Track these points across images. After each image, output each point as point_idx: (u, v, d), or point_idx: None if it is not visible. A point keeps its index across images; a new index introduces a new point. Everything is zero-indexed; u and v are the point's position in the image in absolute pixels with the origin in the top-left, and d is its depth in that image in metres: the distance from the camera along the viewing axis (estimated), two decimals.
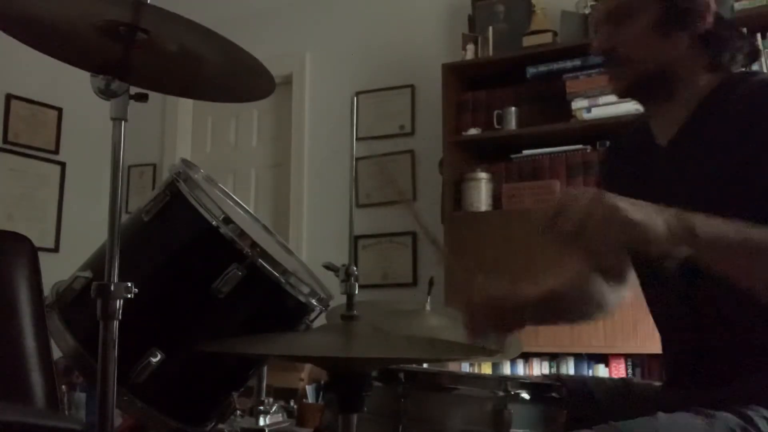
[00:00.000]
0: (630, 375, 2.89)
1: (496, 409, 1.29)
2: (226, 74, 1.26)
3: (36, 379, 1.73)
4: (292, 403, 2.65)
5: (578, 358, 2.98)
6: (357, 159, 3.70)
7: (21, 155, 3.99)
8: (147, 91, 1.20)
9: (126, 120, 1.17)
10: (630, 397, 1.37)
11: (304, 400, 3.08)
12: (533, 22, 3.31)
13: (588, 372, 2.96)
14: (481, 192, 3.20)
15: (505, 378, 1.59)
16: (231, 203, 1.56)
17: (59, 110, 4.17)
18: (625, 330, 2.72)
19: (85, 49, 1.17)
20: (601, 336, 2.81)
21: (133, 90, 1.17)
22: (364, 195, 3.74)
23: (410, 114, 3.73)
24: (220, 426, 1.44)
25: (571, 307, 1.52)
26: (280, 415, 1.87)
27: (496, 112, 3.27)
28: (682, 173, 1.28)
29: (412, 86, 3.74)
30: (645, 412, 1.13)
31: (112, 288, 1.11)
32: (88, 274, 1.32)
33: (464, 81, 3.46)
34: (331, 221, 3.72)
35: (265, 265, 1.30)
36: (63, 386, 2.70)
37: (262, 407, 1.82)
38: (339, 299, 1.30)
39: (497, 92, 3.34)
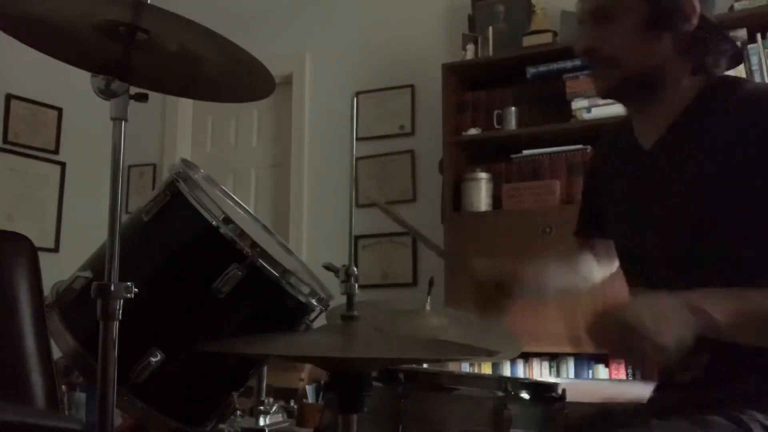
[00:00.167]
0: (630, 375, 2.89)
1: (496, 409, 1.29)
2: (226, 74, 1.26)
3: (36, 379, 1.73)
4: (292, 403, 2.65)
5: (578, 358, 2.98)
6: (357, 159, 3.70)
7: (21, 155, 3.99)
8: (147, 91, 1.20)
9: (126, 120, 1.17)
10: (610, 421, 1.37)
11: (304, 400, 3.08)
12: (533, 22, 3.31)
13: (588, 372, 2.95)
14: (481, 192, 3.20)
15: (505, 378, 1.59)
16: (231, 203, 1.56)
17: (59, 110, 4.17)
18: None
19: (85, 49, 1.17)
20: None
21: (133, 90, 1.18)
22: (364, 195, 3.74)
23: (410, 114, 3.73)
24: (220, 426, 1.44)
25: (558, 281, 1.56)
26: (280, 415, 1.87)
27: (496, 112, 3.27)
28: (668, 177, 1.27)
29: (412, 86, 3.74)
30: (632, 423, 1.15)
31: (112, 288, 1.11)
32: (88, 274, 1.32)
33: (464, 81, 3.46)
34: (331, 221, 3.72)
35: (265, 265, 1.30)
36: (63, 386, 2.70)
37: (262, 407, 1.82)
38: (339, 299, 1.30)
39: (497, 92, 3.33)
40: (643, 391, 1.43)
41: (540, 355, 3.03)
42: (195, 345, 1.19)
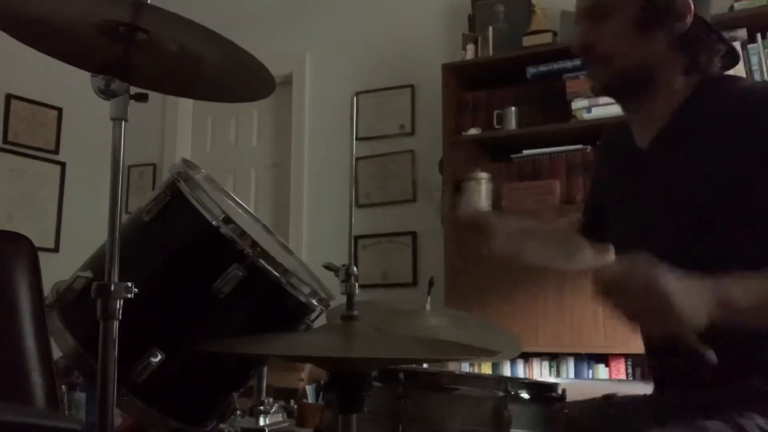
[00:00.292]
0: (630, 375, 2.89)
1: (496, 409, 1.29)
2: (226, 74, 1.26)
3: (36, 379, 1.73)
4: (292, 403, 2.65)
5: (578, 358, 2.98)
6: (357, 159, 3.70)
7: (21, 155, 3.99)
8: (147, 91, 1.20)
9: (126, 120, 1.17)
10: (611, 415, 1.37)
11: (304, 400, 3.08)
12: (533, 22, 3.31)
13: (588, 372, 2.95)
14: (481, 192, 3.20)
15: (505, 378, 1.59)
16: (231, 203, 1.56)
17: (59, 110, 4.17)
18: (625, 330, 2.70)
19: (85, 49, 1.17)
20: (601, 336, 2.81)
21: (133, 90, 1.18)
22: (364, 195, 3.74)
23: (410, 114, 3.73)
24: (220, 426, 1.44)
25: (545, 247, 1.55)
26: (280, 415, 1.87)
27: (496, 112, 3.27)
28: (664, 177, 1.28)
29: (412, 86, 3.74)
30: (630, 426, 1.14)
31: (112, 288, 1.11)
32: (88, 274, 1.32)
33: (464, 81, 3.46)
34: (331, 221, 3.72)
35: (266, 265, 1.30)
36: (63, 386, 2.70)
37: (262, 407, 1.82)
38: (339, 299, 1.30)
39: (497, 92, 3.33)
40: (643, 391, 1.43)
41: (540, 355, 3.03)
42: (195, 345, 1.19)
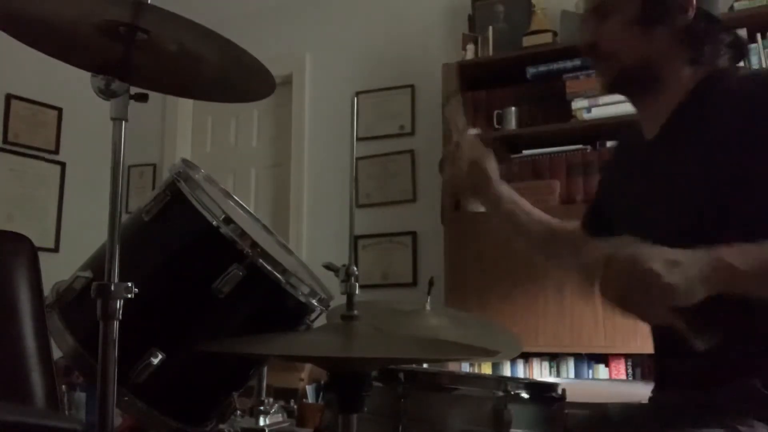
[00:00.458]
0: (630, 375, 2.89)
1: (496, 409, 1.29)
2: (226, 74, 1.26)
3: (36, 379, 1.73)
4: (292, 403, 2.65)
5: (578, 358, 2.98)
6: (357, 159, 3.70)
7: (21, 155, 3.99)
8: (147, 91, 1.20)
9: (126, 120, 1.17)
10: (609, 425, 1.37)
11: (304, 400, 3.08)
12: (533, 22, 3.31)
13: (588, 372, 2.95)
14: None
15: (505, 378, 1.59)
16: (231, 203, 1.56)
17: (59, 110, 4.17)
18: (625, 330, 2.71)
19: (85, 49, 1.17)
20: (601, 336, 2.81)
21: (133, 90, 1.17)
22: (364, 195, 3.74)
23: (410, 114, 3.73)
24: (220, 426, 1.44)
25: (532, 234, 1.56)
26: (280, 415, 1.87)
27: (496, 112, 3.27)
28: (667, 169, 1.28)
29: (412, 86, 3.74)
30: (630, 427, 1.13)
31: (112, 288, 1.11)
32: (88, 274, 1.32)
33: (464, 81, 3.46)
34: (331, 221, 3.72)
35: (266, 265, 1.30)
36: (63, 386, 2.70)
37: (262, 407, 1.82)
38: (339, 299, 1.30)
39: (497, 92, 3.33)
40: (643, 391, 1.43)
41: (540, 355, 3.03)
42: (195, 345, 1.19)
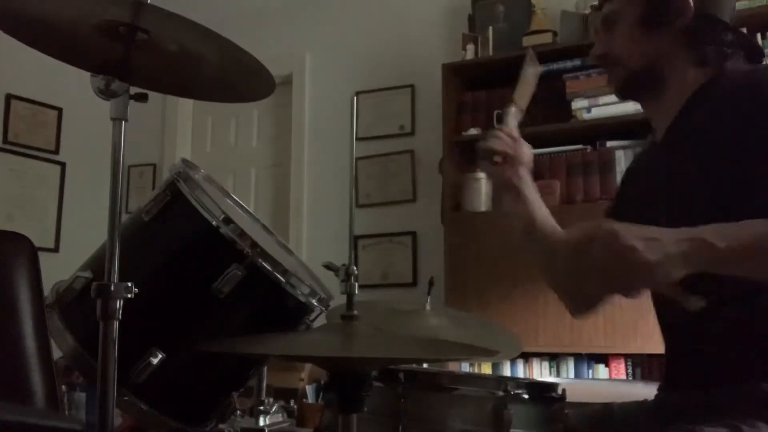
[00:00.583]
0: (630, 375, 2.89)
1: (496, 409, 1.29)
2: (226, 74, 1.26)
3: (36, 379, 1.73)
4: (292, 403, 2.65)
5: (578, 358, 2.98)
6: (357, 159, 3.70)
7: (21, 155, 3.99)
8: (147, 91, 1.20)
9: (126, 120, 1.17)
10: (611, 423, 1.37)
11: (304, 400, 3.08)
12: (533, 22, 3.31)
13: (588, 372, 2.96)
14: (481, 192, 3.20)
15: (505, 378, 1.59)
16: (231, 203, 1.56)
17: (59, 110, 4.17)
18: (625, 330, 2.71)
19: (85, 49, 1.17)
20: (601, 336, 2.81)
21: (133, 90, 1.17)
22: (364, 195, 3.74)
23: (410, 114, 3.73)
24: (220, 426, 1.44)
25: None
26: (280, 415, 1.87)
27: (496, 112, 3.26)
28: (667, 170, 1.29)
29: (412, 86, 3.74)
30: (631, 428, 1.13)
31: (112, 288, 1.11)
32: (88, 274, 1.32)
33: (464, 81, 3.46)
34: (331, 221, 3.72)
35: (266, 265, 1.30)
36: (63, 386, 2.70)
37: (262, 407, 1.82)
38: (339, 299, 1.30)
39: (497, 92, 3.33)
40: (643, 390, 1.43)
41: (540, 355, 3.03)
42: (195, 345, 1.19)
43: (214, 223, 1.30)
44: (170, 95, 1.48)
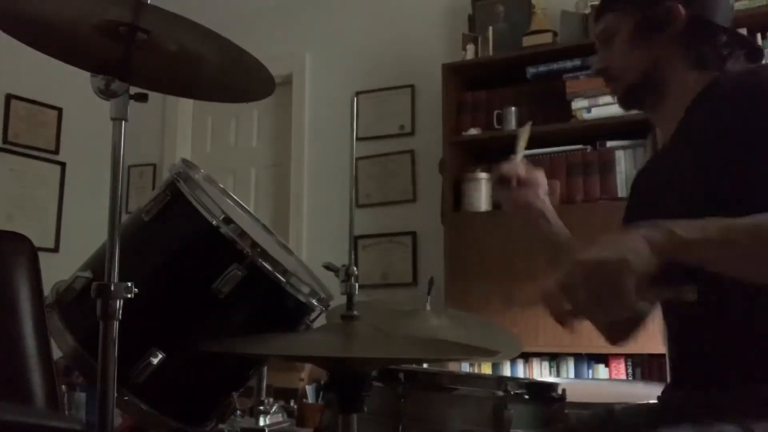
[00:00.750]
0: (630, 375, 2.88)
1: (496, 409, 1.29)
2: (226, 74, 1.26)
3: (36, 379, 1.73)
4: (292, 403, 2.65)
5: (578, 358, 2.98)
6: (357, 159, 3.70)
7: (21, 155, 3.99)
8: (147, 91, 1.20)
9: (126, 120, 1.17)
10: (613, 424, 1.37)
11: (304, 400, 3.08)
12: (533, 22, 3.31)
13: (588, 372, 2.95)
14: (481, 192, 3.20)
15: (505, 378, 1.59)
16: (231, 203, 1.56)
17: (59, 110, 4.17)
18: None
19: (85, 49, 1.17)
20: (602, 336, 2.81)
21: (133, 90, 1.17)
22: (364, 195, 3.74)
23: (410, 114, 3.73)
24: (220, 426, 1.44)
25: None
26: (280, 415, 1.87)
27: (496, 112, 3.27)
28: (673, 170, 1.29)
29: (412, 86, 3.74)
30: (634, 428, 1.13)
31: (112, 288, 1.11)
32: (88, 274, 1.32)
33: (464, 81, 3.46)
34: (331, 221, 3.72)
35: (266, 265, 1.30)
36: (63, 386, 2.70)
37: (262, 407, 1.82)
38: (339, 299, 1.30)
39: (497, 92, 3.33)
40: (643, 391, 1.43)
41: (540, 355, 3.03)
42: (195, 345, 1.19)
43: (214, 223, 1.30)
44: (170, 95, 1.48)
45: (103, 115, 1.20)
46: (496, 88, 3.34)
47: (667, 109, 1.34)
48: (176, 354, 1.28)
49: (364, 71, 3.86)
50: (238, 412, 1.67)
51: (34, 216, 4.02)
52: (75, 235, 4.06)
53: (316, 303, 1.40)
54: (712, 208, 1.17)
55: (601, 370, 2.93)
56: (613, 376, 2.90)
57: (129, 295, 1.13)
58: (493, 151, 3.34)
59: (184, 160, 1.42)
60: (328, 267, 1.27)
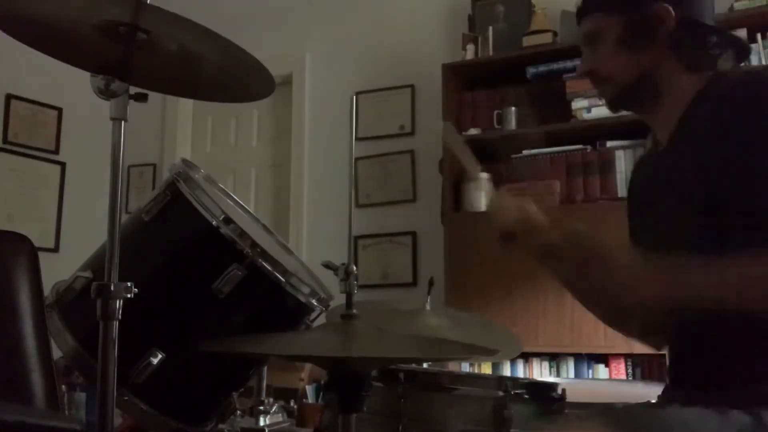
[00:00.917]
0: (630, 375, 2.88)
1: (496, 409, 1.29)
2: (226, 74, 1.26)
3: (36, 379, 1.73)
4: (292, 403, 2.65)
5: (578, 358, 2.98)
6: (357, 159, 3.70)
7: (21, 155, 3.99)
8: (147, 91, 1.20)
9: (126, 120, 1.17)
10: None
11: (304, 400, 3.08)
12: (533, 22, 3.31)
13: (588, 372, 2.95)
14: (481, 192, 3.20)
15: (505, 378, 1.59)
16: (231, 203, 1.56)
17: (59, 110, 4.17)
18: None
19: (85, 49, 1.17)
20: (601, 336, 2.81)
21: (133, 90, 1.17)
22: (364, 195, 3.74)
23: (410, 114, 3.73)
24: (220, 426, 1.44)
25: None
26: (280, 415, 1.87)
27: (496, 112, 3.27)
28: (672, 179, 1.29)
29: (412, 86, 3.74)
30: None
31: (112, 288, 1.11)
32: (88, 274, 1.32)
33: (464, 81, 3.46)
34: (331, 221, 3.72)
35: (266, 265, 1.30)
36: (63, 386, 2.70)
37: (262, 407, 1.82)
38: (339, 299, 1.30)
39: (497, 92, 3.33)
40: (643, 391, 1.43)
41: (540, 355, 3.03)
42: (195, 345, 1.19)
43: (214, 223, 1.30)
44: (170, 95, 1.48)
45: (103, 115, 1.19)
46: (496, 88, 3.34)
47: (662, 111, 1.33)
48: (176, 354, 1.29)
49: (364, 71, 3.85)
50: (238, 412, 1.67)
51: (34, 216, 4.02)
52: (75, 235, 4.06)
53: (316, 303, 1.40)
54: (713, 210, 1.17)
55: (601, 370, 2.93)
56: (613, 376, 2.90)
57: (129, 295, 1.13)
58: (493, 151, 3.34)
59: (184, 160, 1.42)
60: (327, 265, 1.27)
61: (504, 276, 2.99)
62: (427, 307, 1.74)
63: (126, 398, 1.25)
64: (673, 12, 1.28)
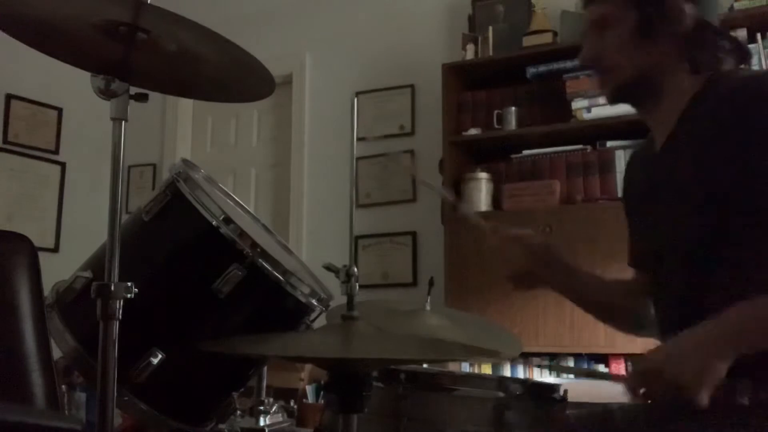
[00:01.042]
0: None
1: (496, 409, 1.29)
2: (226, 74, 1.26)
3: (36, 379, 1.73)
4: (292, 403, 2.65)
5: (578, 358, 2.98)
6: (357, 159, 3.70)
7: (21, 155, 3.99)
8: (147, 91, 1.20)
9: (126, 120, 1.17)
10: (611, 423, 1.37)
11: (304, 400, 3.08)
12: (533, 22, 3.31)
13: None
14: (481, 192, 3.20)
15: (505, 378, 1.58)
16: (231, 203, 1.56)
17: (59, 110, 4.17)
18: None
19: (85, 49, 1.17)
20: (601, 336, 2.81)
21: (133, 90, 1.17)
22: (364, 195, 3.74)
23: (410, 114, 3.73)
24: (220, 426, 1.44)
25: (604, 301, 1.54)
26: (280, 415, 1.87)
27: (496, 112, 3.27)
28: (672, 178, 1.29)
29: (412, 86, 3.74)
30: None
31: (112, 288, 1.11)
32: (88, 274, 1.32)
33: (464, 81, 3.46)
34: (331, 221, 3.72)
35: (266, 265, 1.30)
36: (63, 386, 2.70)
37: (262, 407, 1.82)
38: (339, 299, 1.30)
39: (497, 92, 3.33)
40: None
41: (540, 355, 3.03)
42: (195, 345, 1.19)
43: (214, 223, 1.30)
44: (170, 95, 1.48)
45: (103, 115, 1.19)
46: (496, 88, 3.34)
47: (661, 110, 1.32)
48: (176, 354, 1.28)
49: (364, 71, 3.85)
50: (238, 412, 1.67)
51: (34, 216, 4.02)
52: (75, 235, 4.06)
53: (316, 303, 1.40)
54: (712, 208, 1.17)
55: (601, 370, 2.93)
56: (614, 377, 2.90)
57: (129, 295, 1.13)
58: (493, 151, 3.34)
59: (184, 160, 1.42)
60: (328, 268, 1.27)
61: (504, 276, 2.98)
62: (427, 307, 1.74)
63: (126, 398, 1.25)
64: (687, 11, 1.26)
